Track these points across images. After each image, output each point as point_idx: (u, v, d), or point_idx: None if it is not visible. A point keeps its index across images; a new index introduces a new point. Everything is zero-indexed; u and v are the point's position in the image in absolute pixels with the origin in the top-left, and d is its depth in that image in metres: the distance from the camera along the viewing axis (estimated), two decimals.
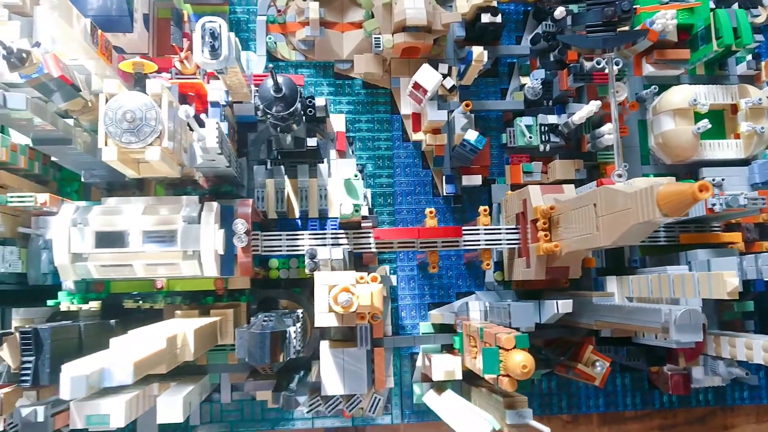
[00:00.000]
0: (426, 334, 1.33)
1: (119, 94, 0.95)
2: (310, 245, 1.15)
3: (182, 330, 0.92)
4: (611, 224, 0.88)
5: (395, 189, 1.40)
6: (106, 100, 0.95)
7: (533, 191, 1.12)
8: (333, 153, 1.33)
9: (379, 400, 1.25)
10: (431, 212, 1.19)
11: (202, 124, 0.97)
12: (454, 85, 1.36)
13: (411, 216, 1.39)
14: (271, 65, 0.98)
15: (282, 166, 1.22)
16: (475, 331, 1.10)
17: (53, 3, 0.96)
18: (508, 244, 1.20)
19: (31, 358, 0.92)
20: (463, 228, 1.18)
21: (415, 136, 1.38)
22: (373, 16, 1.37)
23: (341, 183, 1.11)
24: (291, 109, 0.99)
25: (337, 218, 1.33)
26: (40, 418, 0.92)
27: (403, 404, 1.35)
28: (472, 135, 1.22)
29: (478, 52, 1.26)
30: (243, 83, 1.18)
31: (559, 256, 1.06)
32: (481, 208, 1.22)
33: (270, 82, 0.97)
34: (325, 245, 1.15)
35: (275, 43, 1.39)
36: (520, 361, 0.91)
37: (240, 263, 1.02)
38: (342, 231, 1.17)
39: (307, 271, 1.06)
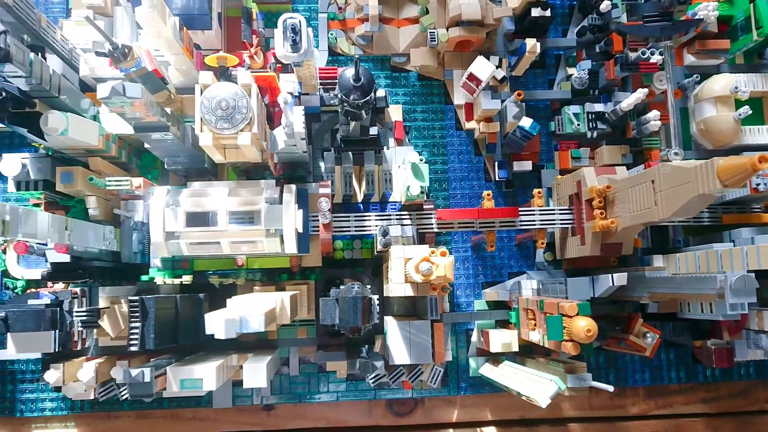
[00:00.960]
0: (481, 310, 1.41)
1: (214, 85, 1.04)
2: (376, 226, 1.24)
3: (279, 297, 1.01)
4: (670, 198, 0.95)
5: (449, 175, 1.48)
6: (201, 91, 1.04)
7: (588, 173, 1.20)
8: (392, 141, 1.42)
9: (440, 372, 1.33)
10: (488, 194, 1.27)
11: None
12: (504, 76, 1.44)
13: (465, 200, 1.47)
14: (357, 55, 1.06)
15: (350, 153, 1.30)
16: (534, 304, 1.18)
17: (153, 2, 1.06)
18: (561, 223, 1.27)
19: (139, 325, 1.01)
20: (519, 209, 1.26)
21: (468, 125, 1.46)
22: (428, 12, 1.45)
23: (406, 168, 1.19)
24: (367, 98, 1.08)
25: (396, 202, 1.42)
26: (147, 378, 1.01)
27: (460, 377, 1.43)
28: (526, 122, 1.30)
29: (532, 44, 1.34)
30: (314, 75, 1.27)
31: (615, 233, 1.13)
32: (536, 190, 1.30)
33: (351, 71, 1.06)
34: (391, 225, 1.24)
35: (336, 38, 1.48)
36: (584, 326, 0.99)
37: (321, 239, 1.11)
38: (405, 212, 1.26)
39: (379, 247, 1.15)
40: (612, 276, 1.15)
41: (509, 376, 1.22)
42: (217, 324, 0.76)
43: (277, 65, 1.38)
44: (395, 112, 1.44)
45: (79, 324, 1.22)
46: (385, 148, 1.39)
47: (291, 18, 1.10)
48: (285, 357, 1.38)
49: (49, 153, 1.27)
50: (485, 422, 1.44)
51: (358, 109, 1.12)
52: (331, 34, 1.48)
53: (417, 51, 1.46)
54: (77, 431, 1.38)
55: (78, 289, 1.27)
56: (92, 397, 1.27)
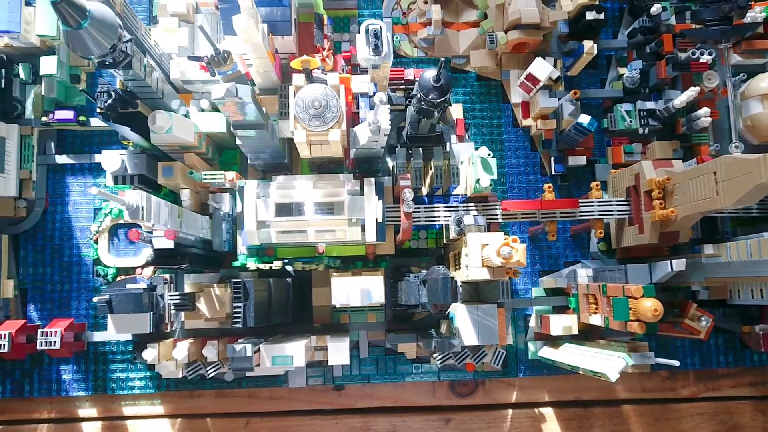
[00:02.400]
0: (538, 297, 1.49)
1: (307, 86, 1.13)
2: (445, 217, 1.33)
3: (374, 279, 1.11)
4: (732, 188, 1.03)
5: (506, 169, 1.57)
6: (295, 92, 1.14)
7: (646, 166, 1.28)
8: (453, 138, 1.51)
9: (503, 354, 1.42)
10: (549, 187, 1.36)
11: None
12: (559, 76, 1.52)
13: (522, 193, 1.56)
14: (442, 58, 1.15)
15: (420, 149, 1.39)
16: (595, 289, 1.27)
17: (250, 11, 1.16)
18: (618, 214, 1.35)
19: (241, 305, 1.11)
20: (579, 200, 1.34)
21: (525, 122, 1.55)
22: (486, 16, 1.54)
23: (475, 162, 1.28)
24: (445, 97, 1.17)
25: (457, 195, 1.51)
26: (249, 354, 1.12)
27: (519, 360, 1.51)
28: (585, 119, 1.38)
29: (589, 45, 1.42)
30: (387, 76, 1.36)
31: (674, 221, 1.21)
32: (593, 182, 1.38)
33: (432, 72, 1.15)
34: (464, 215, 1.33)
35: (399, 41, 1.57)
36: (650, 306, 1.07)
37: (403, 227, 1.20)
38: (471, 204, 1.35)
39: (453, 235, 1.24)
40: (671, 262, 1.23)
41: (573, 355, 1.30)
42: (352, 293, 0.86)
43: (348, 67, 1.48)
44: (456, 111, 1.53)
45: (172, 307, 1.32)
46: (448, 144, 1.48)
47: (373, 24, 1.19)
48: (355, 340, 1.48)
49: (136, 148, 1.39)
50: (542, 403, 1.52)
51: (434, 108, 1.22)
52: (395, 38, 1.57)
53: (476, 53, 1.55)
54: (163, 408, 1.49)
55: (167, 276, 1.38)
56: (180, 375, 1.37)
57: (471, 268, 1.14)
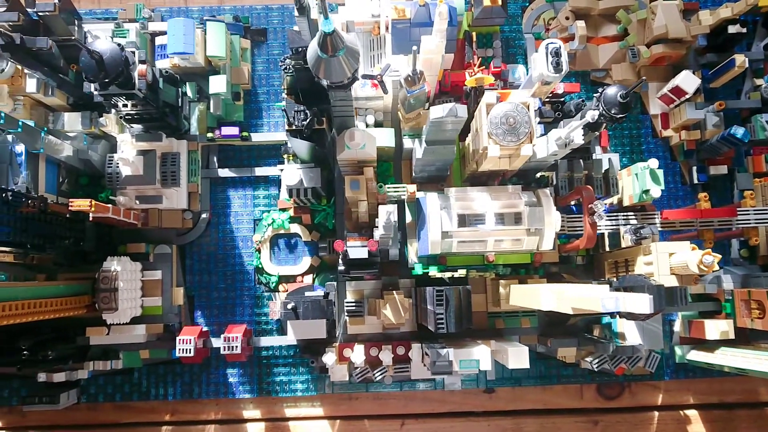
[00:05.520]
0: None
1: (498, 104, 1.19)
2: (606, 225, 1.38)
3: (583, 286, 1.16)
4: None
5: None
6: (487, 110, 1.20)
7: None
8: (597, 149, 1.56)
9: (657, 358, 1.46)
10: (705, 196, 1.41)
11: None
12: (698, 88, 1.57)
13: (663, 202, 1.61)
14: (644, 78, 1.21)
15: (581, 161, 1.45)
16: (761, 295, 1.31)
17: (442, 33, 1.22)
18: None
19: (443, 311, 1.17)
20: (737, 209, 1.39)
21: (665, 133, 1.60)
22: (626, 31, 1.60)
23: (642, 173, 1.33)
24: (625, 114, 1.22)
25: (606, 205, 1.55)
26: (451, 358, 1.18)
27: (664, 364, 1.56)
28: (738, 130, 1.43)
29: (741, 60, 1.47)
30: (549, 92, 1.42)
31: None
32: (747, 191, 1.43)
33: (615, 89, 1.20)
34: (618, 225, 1.38)
35: None
36: None
37: (588, 237, 1.25)
38: (630, 213, 1.40)
39: (630, 244, 1.30)
40: None
41: (740, 359, 1.34)
42: (641, 303, 0.91)
43: (501, 83, 1.54)
44: None
45: (346, 313, 1.39)
46: (593, 155, 1.54)
47: (552, 43, 1.25)
48: None
49: (296, 162, 1.46)
50: (687, 405, 1.57)
51: (610, 122, 1.27)
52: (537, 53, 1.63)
53: (617, 66, 1.61)
54: (322, 410, 1.55)
55: (334, 284, 1.45)
56: (347, 379, 1.44)
57: (660, 276, 1.19)
